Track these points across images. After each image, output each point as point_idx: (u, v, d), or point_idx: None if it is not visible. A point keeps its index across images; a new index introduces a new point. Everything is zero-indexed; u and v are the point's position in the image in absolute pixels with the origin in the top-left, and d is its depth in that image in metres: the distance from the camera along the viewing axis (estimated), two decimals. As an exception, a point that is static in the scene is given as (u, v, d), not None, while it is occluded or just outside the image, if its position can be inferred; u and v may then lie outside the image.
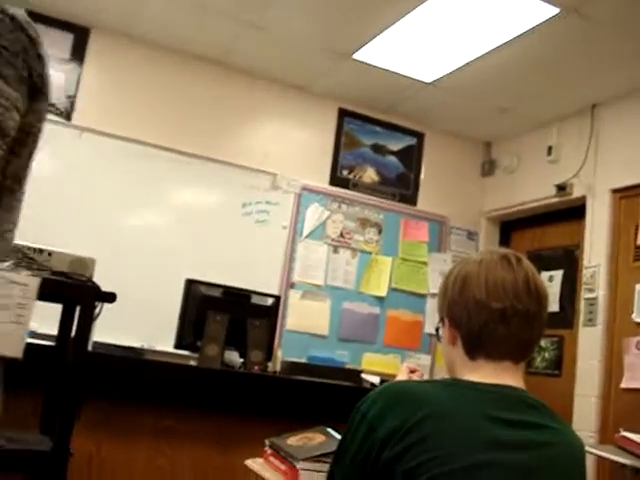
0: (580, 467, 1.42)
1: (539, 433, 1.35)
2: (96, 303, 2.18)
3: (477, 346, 1.43)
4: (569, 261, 5.33)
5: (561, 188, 5.27)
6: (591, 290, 4.87)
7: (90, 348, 2.73)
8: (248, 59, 5.22)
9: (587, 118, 5.17)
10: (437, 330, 1.57)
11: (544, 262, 5.51)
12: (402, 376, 1.78)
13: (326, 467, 1.47)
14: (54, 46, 4.85)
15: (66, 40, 4.90)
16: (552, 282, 5.38)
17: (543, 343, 5.32)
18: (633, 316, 4.56)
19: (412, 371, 1.81)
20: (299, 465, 1.80)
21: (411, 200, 5.92)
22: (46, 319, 2.52)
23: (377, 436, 1.30)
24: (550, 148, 5.45)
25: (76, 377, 2.14)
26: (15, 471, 2.19)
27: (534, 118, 5.53)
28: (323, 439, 1.93)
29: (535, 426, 1.36)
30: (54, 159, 4.81)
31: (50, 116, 4.76)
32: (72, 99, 4.86)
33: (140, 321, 4.65)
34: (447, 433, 1.27)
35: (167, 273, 4.66)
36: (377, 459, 1.29)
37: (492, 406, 1.33)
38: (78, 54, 4.93)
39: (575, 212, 5.22)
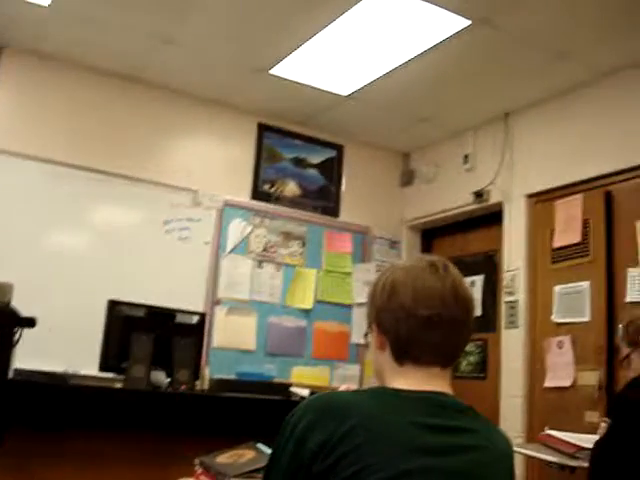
0: (508, 468, 1.45)
1: (466, 437, 1.37)
2: (15, 328, 2.12)
3: (405, 352, 1.44)
4: (489, 266, 5.46)
5: (478, 195, 5.39)
6: (511, 293, 4.99)
7: (11, 375, 2.66)
8: (165, 75, 5.17)
9: (501, 126, 5.31)
10: (366, 335, 1.57)
11: (465, 268, 5.61)
12: None
13: (258, 483, 1.47)
14: (-38, 66, 4.72)
15: (-25, 60, 4.78)
16: (474, 287, 5.49)
17: (468, 347, 5.40)
18: (553, 317, 4.70)
19: None
20: (230, 482, 1.79)
21: (333, 212, 5.96)
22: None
23: (306, 449, 1.29)
24: (466, 156, 5.58)
25: (-3, 406, 2.08)
26: None
27: (450, 127, 5.66)
28: (253, 455, 1.93)
29: (462, 430, 1.37)
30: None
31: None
32: (-17, 120, 4.74)
33: (63, 345, 4.52)
34: (375, 443, 1.28)
35: (89, 295, 4.57)
36: (308, 473, 1.28)
37: (418, 413, 1.35)
38: (-12, 74, 4.80)
39: (493, 218, 5.35)
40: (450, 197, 5.70)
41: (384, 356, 1.48)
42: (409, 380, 1.42)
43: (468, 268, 5.60)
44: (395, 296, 1.45)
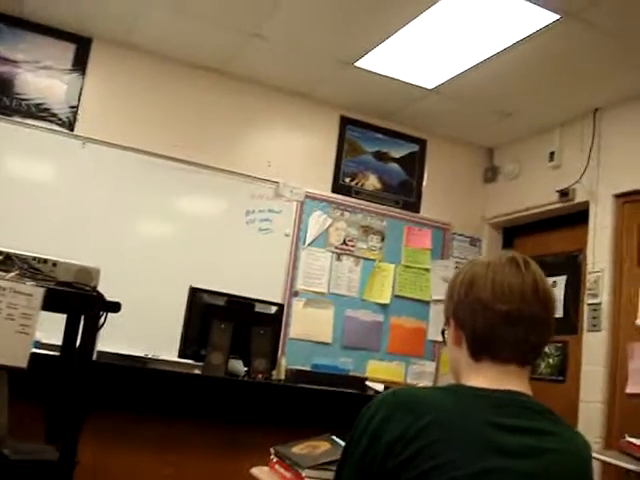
0: (586, 473, 1.41)
1: (544, 440, 1.34)
2: (101, 313, 2.18)
3: (482, 348, 1.42)
4: (572, 267, 5.33)
5: (564, 194, 5.27)
6: (595, 295, 4.86)
7: (94, 358, 2.74)
8: (250, 68, 5.23)
9: (589, 123, 5.17)
10: (443, 332, 1.56)
11: (547, 268, 5.45)
12: None
13: (331, 475, 1.47)
14: (56, 57, 4.88)
15: (68, 50, 4.92)
16: (556, 288, 5.38)
17: (547, 349, 5.31)
18: (637, 321, 4.54)
19: None
20: (304, 473, 1.80)
21: (414, 207, 5.92)
22: (51, 329, 2.53)
23: (381, 444, 1.29)
24: (552, 153, 5.46)
25: (81, 387, 2.14)
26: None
27: (536, 123, 5.54)
28: (328, 447, 1.93)
29: (540, 432, 1.35)
30: (57, 169, 4.85)
31: (53, 126, 4.83)
32: (74, 109, 4.88)
33: (145, 330, 4.65)
34: (451, 441, 1.26)
35: (171, 281, 4.67)
36: (381, 467, 1.28)
37: (496, 413, 1.33)
38: (80, 64, 4.94)
39: (578, 217, 5.22)
40: (534, 195, 5.58)
41: (460, 352, 1.47)
42: (485, 377, 1.41)
43: (550, 268, 5.48)
44: (473, 290, 1.43)
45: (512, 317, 1.39)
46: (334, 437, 2.01)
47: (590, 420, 4.64)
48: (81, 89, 4.92)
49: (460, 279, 1.48)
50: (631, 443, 3.28)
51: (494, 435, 1.29)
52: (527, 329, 1.40)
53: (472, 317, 1.42)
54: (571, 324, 5.15)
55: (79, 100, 4.90)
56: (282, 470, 1.91)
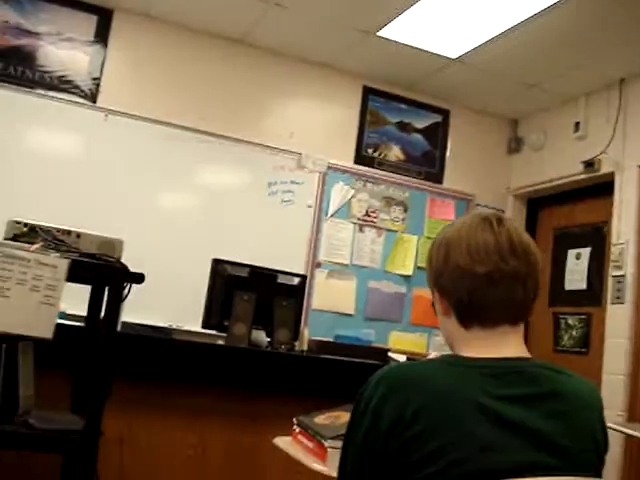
0: (597, 426, 1.37)
1: (547, 403, 1.31)
2: (125, 284, 2.20)
3: (469, 314, 1.39)
4: (597, 238, 5.28)
5: (589, 164, 5.21)
6: (619, 267, 4.82)
7: (119, 328, 2.76)
8: (271, 38, 5.20)
9: (615, 93, 5.09)
10: (433, 305, 1.51)
11: (572, 239, 5.47)
12: None
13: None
14: (78, 28, 4.87)
15: (90, 22, 4.91)
16: (580, 259, 5.34)
17: (571, 321, 5.29)
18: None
19: None
20: (327, 443, 1.81)
21: (437, 178, 5.89)
22: (75, 300, 2.55)
23: (381, 425, 1.27)
24: (577, 124, 5.39)
25: (106, 357, 2.17)
26: (47, 451, 2.22)
27: (561, 94, 5.47)
28: (350, 417, 1.94)
29: (542, 396, 1.32)
30: (80, 141, 4.86)
31: (75, 98, 4.84)
32: (97, 81, 4.88)
33: (168, 301, 4.69)
34: (453, 417, 1.24)
35: (194, 253, 4.69)
36: (384, 448, 1.26)
37: (494, 382, 1.30)
38: (102, 36, 4.94)
39: (603, 189, 5.16)
40: (559, 166, 5.53)
41: (450, 322, 1.43)
42: (479, 345, 1.38)
43: (575, 239, 5.45)
44: (450, 256, 1.40)
45: (494, 278, 1.36)
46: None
47: (613, 392, 4.62)
48: (103, 61, 4.92)
49: (436, 247, 1.45)
50: (654, 416, 3.27)
51: (495, 406, 1.27)
52: (511, 287, 1.37)
53: (454, 284, 1.39)
54: (595, 296, 5.13)
55: (101, 72, 4.90)
56: (305, 440, 1.93)
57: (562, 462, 1.28)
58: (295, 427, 2.00)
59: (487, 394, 1.28)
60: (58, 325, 2.01)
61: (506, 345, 1.38)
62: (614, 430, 3.15)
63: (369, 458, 1.29)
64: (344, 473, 1.37)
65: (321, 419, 1.96)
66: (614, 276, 4.86)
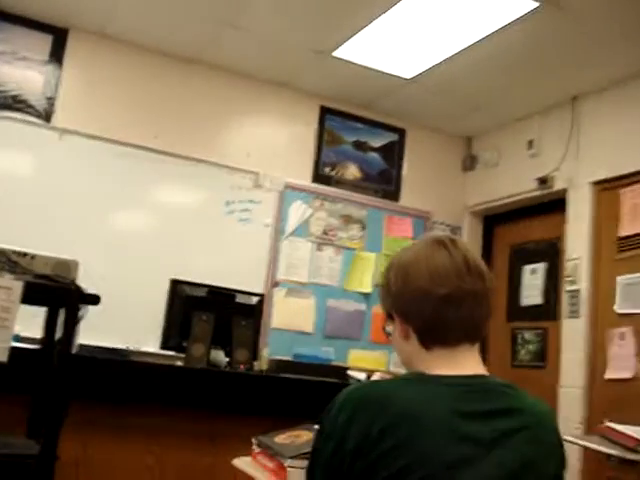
0: (555, 442, 1.41)
1: (509, 420, 1.34)
2: (80, 305, 2.17)
3: (431, 335, 1.41)
4: (552, 254, 5.36)
5: (542, 181, 5.30)
6: (573, 282, 4.90)
7: (75, 350, 2.72)
8: (227, 58, 5.20)
9: (568, 111, 5.20)
10: (384, 328, 1.54)
11: (527, 255, 5.55)
12: None
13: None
14: (33, 48, 4.83)
15: (45, 41, 4.87)
16: (535, 275, 5.42)
17: (527, 335, 5.36)
18: (615, 307, 4.60)
19: None
20: (287, 462, 1.80)
21: (394, 196, 5.93)
22: (30, 322, 2.51)
23: (347, 446, 1.27)
24: (531, 142, 5.48)
25: (62, 380, 2.13)
26: (1, 477, 2.17)
27: (514, 112, 5.56)
28: (311, 436, 1.93)
29: (505, 412, 1.35)
30: (34, 161, 4.80)
31: (29, 118, 4.77)
32: (52, 100, 4.83)
33: (125, 322, 4.63)
34: (420, 435, 1.25)
35: (151, 273, 4.66)
36: (350, 469, 1.26)
37: (459, 399, 1.32)
38: (57, 55, 4.89)
39: (557, 205, 5.25)
40: (513, 183, 5.61)
41: (410, 344, 1.45)
42: (440, 364, 1.40)
43: (530, 255, 5.52)
44: (409, 280, 1.42)
45: (454, 297, 1.38)
46: (317, 427, 2.01)
47: (570, 405, 4.68)
48: (58, 80, 4.87)
49: (394, 271, 1.47)
50: (611, 428, 3.30)
51: (461, 424, 1.28)
52: (470, 306, 1.40)
53: (415, 307, 1.41)
54: (550, 310, 5.20)
55: (56, 91, 4.85)
56: (265, 460, 1.91)
57: (530, 476, 1.31)
58: (255, 447, 1.99)
59: (452, 411, 1.29)
60: (13, 348, 1.97)
61: (466, 363, 1.41)
62: (572, 443, 3.18)
63: (335, 479, 1.29)
64: None
65: (281, 438, 1.94)
66: (568, 291, 4.93)
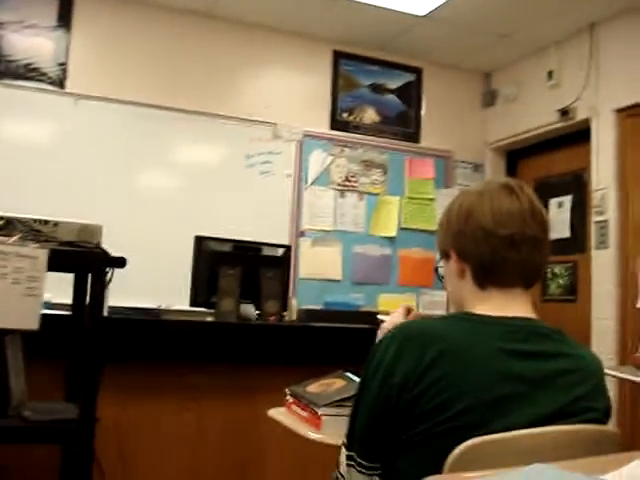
0: (600, 387, 1.43)
1: (556, 362, 1.36)
2: (106, 269, 2.18)
3: (487, 275, 1.43)
4: (578, 186, 5.30)
5: (564, 112, 5.21)
6: (601, 213, 4.84)
7: (106, 313, 2.75)
8: (237, 9, 5.13)
9: (586, 38, 5.07)
10: (436, 269, 1.57)
11: (552, 189, 5.49)
12: (398, 317, 1.78)
13: (346, 411, 1.49)
14: (40, 14, 4.79)
15: (51, 7, 4.82)
16: (562, 208, 5.36)
17: (557, 269, 5.33)
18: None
19: (408, 311, 1.81)
20: (320, 411, 1.82)
21: (414, 137, 5.87)
22: (61, 289, 2.54)
23: (394, 381, 1.30)
24: (550, 72, 5.38)
25: (95, 343, 2.16)
26: (44, 442, 2.22)
27: (532, 43, 5.44)
28: (342, 384, 1.95)
29: (551, 355, 1.37)
30: (51, 128, 4.80)
31: (43, 85, 4.76)
32: (64, 66, 4.81)
33: (154, 282, 4.67)
34: (463, 370, 1.28)
35: (176, 231, 4.67)
36: (397, 403, 1.30)
37: (506, 339, 1.34)
38: (65, 20, 4.85)
39: (580, 136, 5.17)
40: (534, 116, 5.52)
41: (464, 283, 1.47)
42: (493, 304, 1.42)
43: (555, 188, 5.46)
44: (472, 219, 1.43)
45: (515, 240, 1.40)
46: (348, 374, 2.03)
47: (603, 337, 4.67)
48: (68, 45, 4.84)
49: (456, 210, 1.48)
50: (644, 357, 3.30)
51: (506, 361, 1.31)
52: (530, 250, 1.42)
53: (475, 246, 1.43)
54: (579, 243, 5.16)
55: (67, 57, 4.83)
56: (298, 410, 1.94)
57: (578, 413, 1.33)
58: (288, 397, 2.01)
59: (498, 349, 1.32)
60: (44, 315, 2.00)
61: (518, 306, 1.43)
62: (606, 375, 3.19)
63: (381, 412, 1.33)
64: (354, 429, 1.40)
65: (313, 387, 1.96)
66: (597, 222, 4.88)
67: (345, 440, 1.42)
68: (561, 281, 5.31)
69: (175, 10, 5.11)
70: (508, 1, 4.76)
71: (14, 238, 2.05)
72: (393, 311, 1.82)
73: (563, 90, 5.28)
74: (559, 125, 5.31)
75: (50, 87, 4.76)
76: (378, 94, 5.80)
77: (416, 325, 1.42)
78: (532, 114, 5.56)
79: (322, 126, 5.55)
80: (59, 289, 2.55)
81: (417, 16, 5.08)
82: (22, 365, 2.20)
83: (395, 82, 5.87)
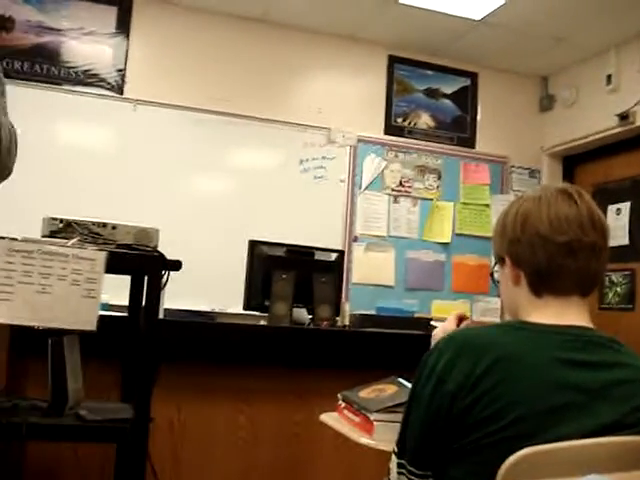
0: None
1: (613, 372, 1.32)
2: (162, 272, 2.21)
3: (543, 282, 1.41)
4: (637, 192, 5.19)
5: (623, 117, 5.12)
6: (661, 219, 4.74)
7: (162, 315, 2.79)
8: (291, 13, 5.16)
9: (646, 42, 4.98)
10: (492, 274, 1.55)
11: (611, 195, 5.38)
12: (450, 325, 1.77)
13: (399, 417, 1.48)
14: (99, 21, 4.90)
15: (110, 14, 4.93)
16: (620, 214, 5.26)
17: (614, 277, 5.23)
18: None
19: (460, 319, 1.79)
20: (373, 417, 1.81)
21: (469, 143, 5.83)
22: (119, 290, 2.59)
23: (446, 390, 1.29)
24: (609, 76, 5.29)
25: (150, 345, 2.19)
26: (99, 441, 2.26)
27: (590, 47, 5.36)
28: (395, 390, 1.94)
29: (608, 365, 1.33)
30: (110, 134, 4.90)
31: (102, 91, 4.86)
32: (122, 72, 4.91)
33: (209, 286, 4.72)
34: (517, 379, 1.26)
35: (231, 236, 4.72)
36: (449, 412, 1.28)
37: (561, 348, 1.31)
38: (123, 26, 4.95)
39: (639, 141, 5.06)
40: (593, 121, 5.43)
41: (519, 290, 1.45)
42: (548, 312, 1.39)
43: (614, 195, 5.36)
44: (529, 225, 1.41)
45: (573, 247, 1.37)
46: (400, 379, 2.01)
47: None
48: (127, 51, 4.94)
49: (512, 216, 1.46)
50: None
51: (561, 371, 1.28)
52: (588, 258, 1.39)
53: (531, 252, 1.40)
54: (638, 250, 5.05)
55: (126, 63, 4.93)
56: (350, 415, 1.93)
57: (635, 424, 1.29)
58: (340, 402, 2.01)
59: (553, 358, 1.29)
60: (101, 317, 2.03)
61: (574, 314, 1.40)
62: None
63: (433, 421, 1.31)
64: (405, 437, 1.39)
65: (366, 393, 1.96)
66: (656, 229, 4.78)
67: (396, 448, 1.41)
68: (619, 289, 5.21)
69: (231, 16, 5.17)
70: (565, 4, 4.70)
71: (73, 241, 2.09)
72: (446, 318, 1.81)
73: (622, 94, 5.18)
74: (618, 130, 5.21)
75: (109, 93, 4.85)
76: (433, 99, 5.77)
77: (470, 333, 1.40)
78: (590, 119, 5.46)
79: (376, 131, 5.55)
80: (116, 291, 2.60)
81: (472, 20, 5.05)
82: (79, 365, 2.25)
83: (450, 87, 5.83)
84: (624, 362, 1.36)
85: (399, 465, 1.39)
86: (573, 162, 5.92)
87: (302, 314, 3.49)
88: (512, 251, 1.45)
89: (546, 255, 1.38)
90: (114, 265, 2.07)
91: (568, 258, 1.38)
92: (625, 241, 5.17)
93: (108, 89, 4.85)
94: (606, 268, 1.45)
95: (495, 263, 1.54)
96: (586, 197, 1.44)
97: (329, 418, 2.00)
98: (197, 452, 2.83)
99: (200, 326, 3.13)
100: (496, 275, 1.54)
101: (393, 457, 1.42)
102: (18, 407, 2.16)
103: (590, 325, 1.41)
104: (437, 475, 1.34)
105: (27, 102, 4.49)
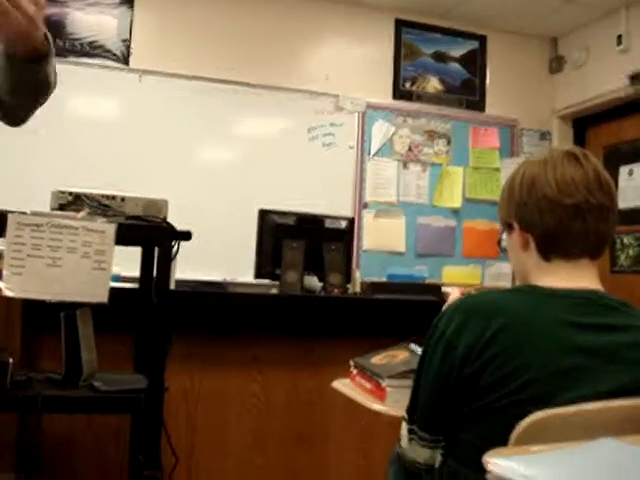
0: None
1: (623, 335, 1.32)
2: (172, 243, 2.22)
3: (552, 246, 1.40)
4: (649, 152, 5.14)
5: (634, 78, 5.05)
6: (674, 180, 4.70)
7: (173, 286, 2.80)
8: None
9: (658, 0, 4.90)
10: (499, 241, 1.54)
11: (622, 156, 5.34)
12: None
13: (411, 383, 1.48)
14: (103, -9, 4.85)
15: (114, -17, 4.89)
16: (632, 176, 5.21)
17: (626, 240, 5.20)
18: None
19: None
20: (385, 383, 1.82)
21: (478, 106, 5.78)
22: (130, 262, 2.60)
23: (456, 353, 1.29)
24: (620, 37, 5.21)
25: (162, 315, 2.20)
26: (114, 411, 2.28)
27: (600, 6, 5.27)
28: (407, 355, 1.94)
29: (618, 328, 1.33)
30: (116, 105, 4.88)
31: (108, 62, 4.82)
32: (127, 43, 4.87)
33: (219, 255, 4.73)
34: (527, 343, 1.26)
35: (240, 205, 4.71)
36: (459, 376, 1.29)
37: (571, 311, 1.31)
38: (127, -4, 4.91)
39: (651, 101, 5.02)
40: (603, 82, 5.37)
41: (528, 255, 1.44)
42: (558, 276, 1.39)
43: (625, 156, 5.31)
44: (536, 188, 1.40)
45: (580, 209, 1.37)
46: (412, 345, 2.02)
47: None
48: (131, 22, 4.90)
49: (519, 180, 1.45)
50: None
51: (572, 334, 1.28)
52: (596, 219, 1.38)
53: (539, 216, 1.40)
54: (650, 212, 5.02)
55: (130, 33, 4.89)
56: (362, 381, 1.94)
57: None
58: (352, 369, 2.01)
59: (563, 321, 1.29)
60: (113, 289, 2.04)
61: (584, 277, 1.40)
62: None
63: (443, 385, 1.32)
64: (415, 402, 1.40)
65: (378, 359, 1.96)
66: (669, 190, 4.74)
67: (406, 414, 1.42)
68: (631, 252, 5.18)
69: (236, -17, 5.12)
70: (575, -37, 4.63)
71: (82, 213, 2.09)
72: (457, 284, 1.81)
73: (633, 55, 5.12)
74: (629, 91, 5.15)
75: (114, 64, 4.83)
76: (441, 62, 5.71)
77: (479, 297, 1.40)
78: (601, 80, 5.40)
79: (384, 96, 5.50)
80: (129, 263, 2.61)
81: (481, -18, 4.98)
82: (92, 338, 2.26)
83: (459, 50, 5.77)
84: (635, 325, 1.35)
85: (410, 431, 1.39)
86: (584, 124, 5.87)
87: (313, 282, 3.50)
88: (520, 216, 1.44)
89: (554, 218, 1.38)
90: (124, 237, 2.08)
91: (576, 220, 1.37)
92: (637, 203, 5.13)
93: (113, 60, 4.82)
94: (615, 230, 1.44)
95: (502, 230, 1.52)
96: (592, 159, 1.43)
97: (341, 385, 2.01)
98: (211, 420, 2.85)
99: (212, 296, 3.14)
100: (504, 243, 1.53)
101: (404, 424, 1.42)
102: (33, 380, 2.18)
103: (600, 288, 1.40)
104: (448, 440, 1.35)
105: (33, 75, 4.45)
